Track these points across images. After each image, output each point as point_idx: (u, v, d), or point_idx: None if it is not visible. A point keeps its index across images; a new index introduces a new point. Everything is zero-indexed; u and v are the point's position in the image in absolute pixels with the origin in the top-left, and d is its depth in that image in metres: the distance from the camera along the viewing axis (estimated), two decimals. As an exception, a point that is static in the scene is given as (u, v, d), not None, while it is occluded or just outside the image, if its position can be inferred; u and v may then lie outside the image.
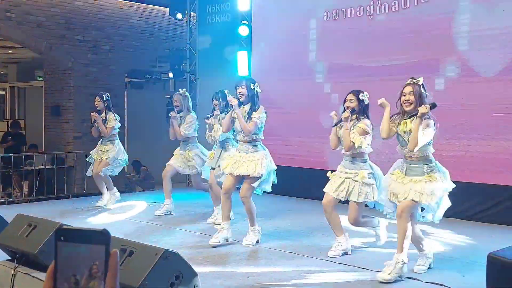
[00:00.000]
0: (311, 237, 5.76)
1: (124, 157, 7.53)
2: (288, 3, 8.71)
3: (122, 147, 7.58)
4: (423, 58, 7.03)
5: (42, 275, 4.08)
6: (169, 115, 6.83)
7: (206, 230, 6.10)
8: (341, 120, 4.86)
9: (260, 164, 5.27)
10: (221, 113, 6.16)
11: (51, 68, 11.33)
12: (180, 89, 7.08)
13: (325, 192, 4.95)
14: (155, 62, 11.50)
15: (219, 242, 5.34)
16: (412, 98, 4.26)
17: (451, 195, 5.48)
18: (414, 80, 4.34)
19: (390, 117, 4.41)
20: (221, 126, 5.95)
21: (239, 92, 5.39)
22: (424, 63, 6.97)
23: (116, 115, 7.42)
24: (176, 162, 6.90)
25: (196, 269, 3.68)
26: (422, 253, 4.50)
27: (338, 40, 8.02)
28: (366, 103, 4.80)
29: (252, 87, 5.38)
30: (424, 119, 4.17)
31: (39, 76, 12.63)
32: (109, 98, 7.47)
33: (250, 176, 5.27)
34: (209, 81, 10.02)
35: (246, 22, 9.21)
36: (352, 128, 4.76)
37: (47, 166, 10.19)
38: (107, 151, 7.34)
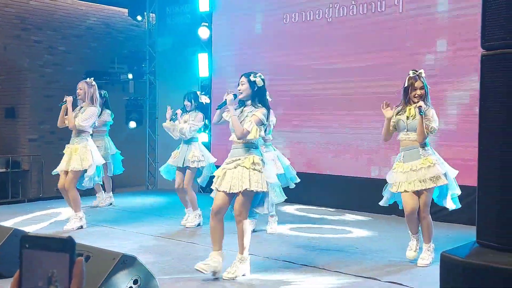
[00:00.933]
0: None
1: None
2: (247, 4, 8.74)
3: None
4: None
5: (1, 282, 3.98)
6: (64, 99, 6.22)
7: (165, 234, 6.08)
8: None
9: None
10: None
11: (5, 69, 11.04)
12: (88, 78, 6.44)
13: None
14: (113, 63, 11.33)
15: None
16: (422, 92, 4.59)
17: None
18: (418, 73, 4.63)
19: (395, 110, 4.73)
20: (185, 123, 6.23)
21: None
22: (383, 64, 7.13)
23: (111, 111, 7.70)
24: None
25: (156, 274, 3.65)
26: (428, 245, 4.74)
27: (296, 41, 8.09)
28: (259, 85, 4.43)
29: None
30: (427, 109, 4.55)
31: (-7, 77, 12.30)
32: (107, 95, 7.78)
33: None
34: (169, 83, 9.97)
35: (206, 24, 9.20)
36: (247, 115, 4.37)
37: (1, 170, 9.93)
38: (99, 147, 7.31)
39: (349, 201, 7.51)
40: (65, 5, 11.02)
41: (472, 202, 6.04)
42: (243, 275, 4.39)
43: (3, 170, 9.98)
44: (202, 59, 9.19)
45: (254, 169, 4.25)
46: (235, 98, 4.38)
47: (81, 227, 6.23)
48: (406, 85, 4.67)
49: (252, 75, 4.44)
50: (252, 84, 4.40)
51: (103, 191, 7.81)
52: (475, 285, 2.52)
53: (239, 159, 4.31)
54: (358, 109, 7.44)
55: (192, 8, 9.59)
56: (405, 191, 4.65)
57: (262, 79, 4.44)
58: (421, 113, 4.50)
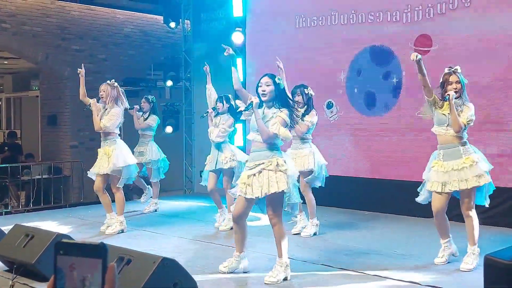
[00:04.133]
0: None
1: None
2: (281, 8, 8.75)
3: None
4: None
5: (40, 285, 4.08)
6: (89, 104, 6.30)
7: (203, 237, 6.12)
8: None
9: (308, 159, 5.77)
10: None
11: (47, 78, 11.36)
12: (110, 80, 6.40)
13: None
14: (150, 70, 11.52)
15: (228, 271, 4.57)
16: (459, 86, 4.54)
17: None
18: (455, 69, 4.61)
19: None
20: (214, 127, 6.40)
21: (297, 100, 5.63)
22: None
23: (157, 117, 7.80)
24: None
25: (195, 277, 3.69)
26: (473, 248, 4.63)
27: (332, 44, 8.05)
28: (281, 87, 4.43)
29: (306, 92, 5.84)
30: (468, 103, 4.56)
31: (35, 86, 12.65)
32: (155, 100, 7.86)
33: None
34: (205, 89, 10.02)
35: (240, 29, 9.24)
36: (272, 116, 4.32)
37: (44, 176, 10.19)
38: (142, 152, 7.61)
39: (385, 203, 7.40)
40: (104, 14, 11.27)
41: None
42: (284, 279, 4.34)
43: (46, 176, 10.24)
44: (237, 64, 9.23)
45: (279, 171, 4.22)
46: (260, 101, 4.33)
47: (122, 231, 6.30)
48: (441, 80, 4.67)
49: (276, 77, 4.40)
50: (277, 85, 4.34)
51: (149, 191, 7.87)
52: (520, 289, 2.45)
53: (263, 163, 4.27)
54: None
55: (226, 14, 9.65)
56: (442, 192, 4.57)
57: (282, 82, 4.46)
58: (445, 99, 4.53)
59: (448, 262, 4.76)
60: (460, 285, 4.26)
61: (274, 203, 4.27)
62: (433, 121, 4.74)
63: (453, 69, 4.62)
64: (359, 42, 7.76)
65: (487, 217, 6.44)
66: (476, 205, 4.69)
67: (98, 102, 6.34)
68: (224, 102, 6.50)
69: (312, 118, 5.81)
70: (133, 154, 7.27)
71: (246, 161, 5.77)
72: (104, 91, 6.23)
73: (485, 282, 2.86)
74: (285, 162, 4.30)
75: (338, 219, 7.00)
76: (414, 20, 7.20)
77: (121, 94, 6.32)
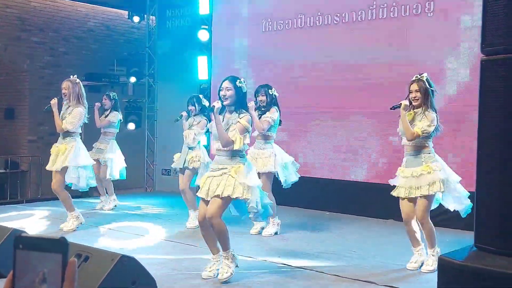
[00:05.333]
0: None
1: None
2: (247, 7, 8.76)
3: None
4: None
5: (-6, 282, 3.98)
6: (50, 102, 6.06)
7: (165, 236, 6.09)
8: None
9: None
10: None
11: (5, 70, 11.06)
12: (72, 76, 6.20)
13: None
14: (113, 65, 11.36)
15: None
16: (418, 94, 4.56)
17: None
18: (419, 77, 4.64)
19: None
20: (189, 130, 6.42)
21: (260, 100, 5.85)
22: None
23: (120, 114, 7.70)
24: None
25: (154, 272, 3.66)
26: (432, 250, 4.68)
27: (297, 46, 8.12)
28: (244, 91, 4.34)
29: (270, 92, 5.91)
30: (427, 112, 4.53)
31: (-8, 78, 12.34)
32: (116, 97, 7.73)
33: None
34: (168, 85, 9.99)
35: (206, 27, 9.22)
36: (232, 123, 4.28)
37: (0, 170, 9.93)
38: (101, 149, 7.50)
39: (347, 205, 7.51)
40: (66, 7, 11.05)
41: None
42: (236, 267, 4.38)
43: (2, 170, 9.99)
44: (202, 62, 9.21)
45: (237, 177, 4.17)
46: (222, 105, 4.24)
47: (81, 224, 6.22)
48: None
49: (238, 80, 4.29)
50: (238, 90, 4.25)
51: (106, 194, 7.74)
52: (473, 288, 2.53)
53: (226, 168, 4.23)
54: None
55: (192, 11, 9.61)
56: (405, 197, 4.66)
57: (245, 84, 4.36)
58: (391, 108, 4.63)
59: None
60: (416, 285, 4.35)
61: (220, 203, 4.19)
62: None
63: (418, 77, 4.64)
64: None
65: (444, 220, 6.61)
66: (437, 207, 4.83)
67: (62, 101, 6.14)
68: (196, 104, 6.48)
69: (272, 114, 5.83)
70: (91, 149, 7.20)
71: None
72: (66, 89, 6.05)
73: (439, 282, 2.94)
74: (247, 167, 4.27)
75: (299, 219, 7.07)
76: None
77: (82, 90, 6.15)
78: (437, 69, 6.67)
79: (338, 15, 7.71)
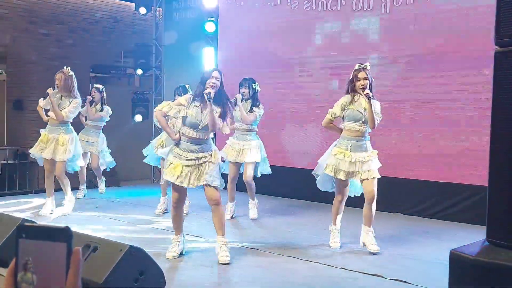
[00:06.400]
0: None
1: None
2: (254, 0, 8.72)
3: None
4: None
5: (3, 271, 3.99)
6: (47, 91, 6.32)
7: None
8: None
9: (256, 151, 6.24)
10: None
11: (14, 62, 11.08)
12: (65, 68, 6.46)
13: None
14: (120, 57, 11.36)
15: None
16: (366, 82, 4.89)
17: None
18: (363, 65, 4.96)
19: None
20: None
21: (242, 92, 6.18)
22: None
23: (109, 108, 7.87)
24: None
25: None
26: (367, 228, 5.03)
27: (305, 35, 8.08)
28: (221, 85, 4.71)
29: (253, 86, 6.20)
30: (374, 100, 4.91)
31: (1, 70, 12.35)
32: (104, 90, 7.91)
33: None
34: (175, 77, 9.96)
35: (213, 19, 9.19)
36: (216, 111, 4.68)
37: (9, 161, 9.98)
38: (92, 142, 7.74)
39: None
40: (73, -2, 11.04)
41: (478, 200, 6.09)
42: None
43: (11, 161, 10.03)
44: (208, 53, 9.20)
45: (216, 163, 4.62)
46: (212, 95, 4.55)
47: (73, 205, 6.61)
48: (351, 77, 4.99)
49: (222, 73, 4.69)
50: (221, 83, 4.65)
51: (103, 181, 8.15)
52: (485, 283, 2.51)
53: (205, 156, 4.60)
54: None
55: (199, 3, 9.58)
56: (346, 179, 4.97)
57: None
58: (369, 99, 4.82)
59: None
60: (425, 279, 4.33)
61: (213, 189, 4.58)
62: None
63: (362, 66, 4.94)
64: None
65: (450, 214, 6.60)
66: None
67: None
68: (182, 93, 6.43)
69: (260, 110, 6.23)
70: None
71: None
72: (58, 80, 6.32)
73: (450, 277, 2.91)
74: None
75: (274, 206, 7.25)
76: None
77: (74, 82, 6.39)
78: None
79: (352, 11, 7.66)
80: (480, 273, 2.52)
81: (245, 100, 6.22)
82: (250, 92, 6.20)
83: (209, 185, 4.53)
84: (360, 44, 7.46)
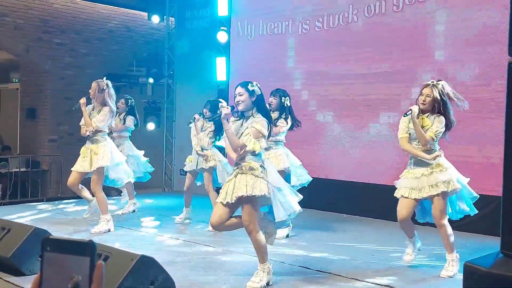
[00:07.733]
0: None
1: None
2: (266, 9, 8.76)
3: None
4: (402, 64, 7.16)
5: (15, 280, 4.03)
6: (79, 101, 6.11)
7: (183, 235, 6.10)
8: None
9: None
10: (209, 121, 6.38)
11: (27, 71, 11.20)
12: (103, 79, 6.31)
13: None
14: (132, 66, 11.43)
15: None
16: (428, 99, 4.54)
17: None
18: (436, 83, 4.59)
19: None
20: (203, 133, 6.47)
21: (270, 102, 5.75)
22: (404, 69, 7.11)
23: (135, 119, 7.47)
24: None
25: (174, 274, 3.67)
26: (451, 255, 4.63)
27: (316, 47, 8.09)
28: (258, 94, 4.24)
29: (283, 100, 5.86)
30: (438, 116, 4.53)
31: (15, 79, 12.47)
32: (133, 104, 7.53)
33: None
34: (187, 86, 10.02)
35: (225, 28, 9.24)
36: (247, 127, 4.22)
37: (21, 169, 10.06)
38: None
39: (365, 207, 7.46)
40: (87, 8, 11.15)
41: (490, 211, 6.03)
42: (267, 284, 4.23)
43: (23, 169, 10.11)
44: (220, 63, 9.23)
45: (251, 174, 4.09)
46: (232, 110, 4.19)
47: (109, 230, 6.11)
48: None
49: (249, 84, 4.21)
50: (251, 93, 4.18)
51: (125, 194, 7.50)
52: (497, 295, 2.48)
53: (237, 168, 4.19)
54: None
55: (211, 13, 9.63)
56: (409, 197, 4.60)
57: (259, 87, 4.25)
58: (404, 115, 4.57)
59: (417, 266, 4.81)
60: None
61: (248, 208, 4.11)
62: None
63: (433, 83, 4.59)
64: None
65: (463, 224, 6.52)
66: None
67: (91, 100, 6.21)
68: (210, 111, 6.45)
69: (284, 124, 5.87)
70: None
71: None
72: (92, 90, 6.12)
73: (465, 289, 2.89)
74: (261, 167, 4.15)
75: (315, 221, 7.05)
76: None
77: (110, 93, 6.13)
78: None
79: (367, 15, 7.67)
80: (494, 286, 2.50)
81: (271, 111, 5.74)
82: (279, 104, 5.89)
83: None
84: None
